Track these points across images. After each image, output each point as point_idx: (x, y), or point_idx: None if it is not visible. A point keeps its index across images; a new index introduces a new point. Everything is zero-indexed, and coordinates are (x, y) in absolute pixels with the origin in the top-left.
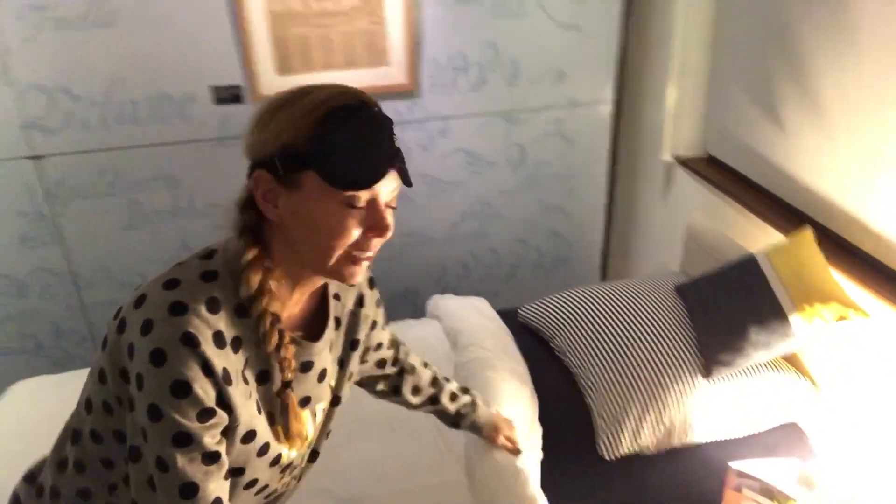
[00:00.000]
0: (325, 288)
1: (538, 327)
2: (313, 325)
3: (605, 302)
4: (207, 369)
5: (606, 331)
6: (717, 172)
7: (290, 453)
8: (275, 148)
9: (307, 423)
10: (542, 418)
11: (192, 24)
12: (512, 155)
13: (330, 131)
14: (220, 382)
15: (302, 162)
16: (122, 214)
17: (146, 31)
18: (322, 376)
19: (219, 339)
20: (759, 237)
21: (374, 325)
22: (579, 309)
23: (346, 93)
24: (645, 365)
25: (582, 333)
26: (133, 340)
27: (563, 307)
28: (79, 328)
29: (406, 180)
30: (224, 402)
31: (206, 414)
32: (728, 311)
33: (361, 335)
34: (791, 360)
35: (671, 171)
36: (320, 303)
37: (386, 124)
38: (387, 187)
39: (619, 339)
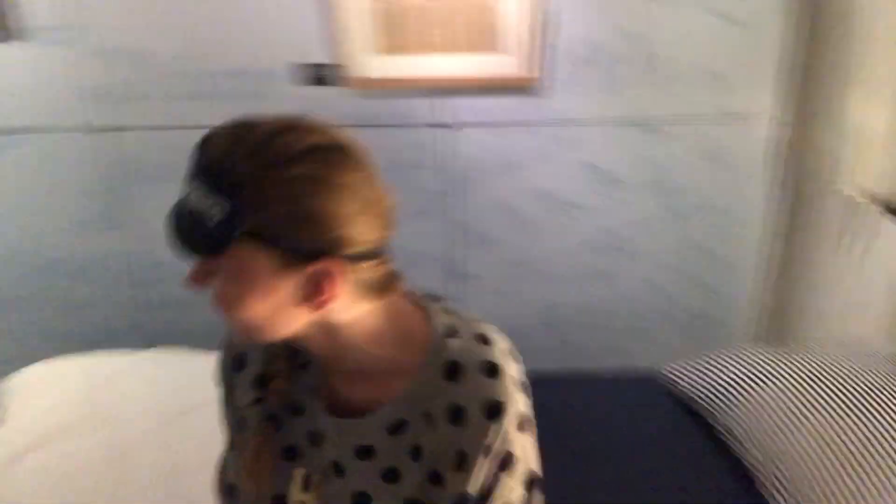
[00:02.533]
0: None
1: (694, 397)
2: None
3: (801, 374)
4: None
5: (810, 417)
6: None
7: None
8: None
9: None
10: None
11: None
12: (648, 175)
13: None
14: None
15: None
16: None
17: None
18: (339, 470)
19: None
20: None
21: (461, 460)
22: (761, 379)
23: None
24: (875, 473)
25: (769, 416)
26: None
27: (735, 373)
28: (128, 331)
29: (192, 245)
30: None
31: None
32: None
33: (440, 468)
34: None
35: (854, 209)
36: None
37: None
38: None
39: (833, 433)
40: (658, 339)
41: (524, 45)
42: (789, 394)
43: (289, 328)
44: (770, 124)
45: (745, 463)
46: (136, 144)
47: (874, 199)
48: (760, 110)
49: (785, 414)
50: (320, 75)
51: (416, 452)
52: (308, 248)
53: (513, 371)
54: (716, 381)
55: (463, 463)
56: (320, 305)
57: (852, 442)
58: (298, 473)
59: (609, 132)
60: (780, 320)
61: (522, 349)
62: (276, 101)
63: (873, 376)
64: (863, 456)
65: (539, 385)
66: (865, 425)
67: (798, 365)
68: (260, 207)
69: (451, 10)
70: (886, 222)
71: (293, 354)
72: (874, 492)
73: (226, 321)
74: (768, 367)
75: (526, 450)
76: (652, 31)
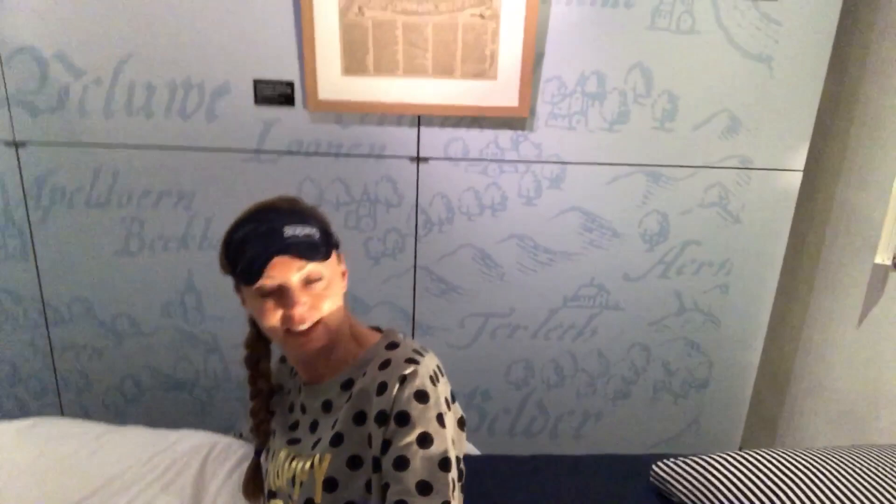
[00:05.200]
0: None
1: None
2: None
3: (821, 489)
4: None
5: None
6: None
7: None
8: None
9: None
10: None
11: None
12: (649, 226)
13: (229, 243)
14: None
15: (232, 276)
16: (116, 234)
17: None
18: (314, 427)
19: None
20: None
21: (382, 416)
22: (772, 492)
23: (257, 205)
24: None
25: None
26: None
27: (740, 482)
28: (42, 374)
29: (304, 258)
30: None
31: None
32: None
33: (369, 409)
34: None
35: (882, 279)
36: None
37: (271, 219)
38: (288, 273)
39: None
40: (647, 408)
41: (517, 72)
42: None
43: (340, 316)
44: (795, 178)
45: None
46: (61, 162)
47: None
48: (785, 162)
49: None
50: (283, 94)
51: (349, 397)
52: (337, 244)
53: (434, 370)
54: (713, 489)
55: (384, 389)
56: (344, 276)
57: None
58: (272, 449)
59: (605, 175)
60: (782, 395)
61: (489, 412)
62: (230, 121)
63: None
64: None
65: (505, 470)
66: None
67: (802, 472)
68: (326, 227)
69: (443, 28)
70: None
71: (266, 366)
72: None
73: (305, 336)
74: (772, 473)
75: (439, 397)
76: (665, 66)
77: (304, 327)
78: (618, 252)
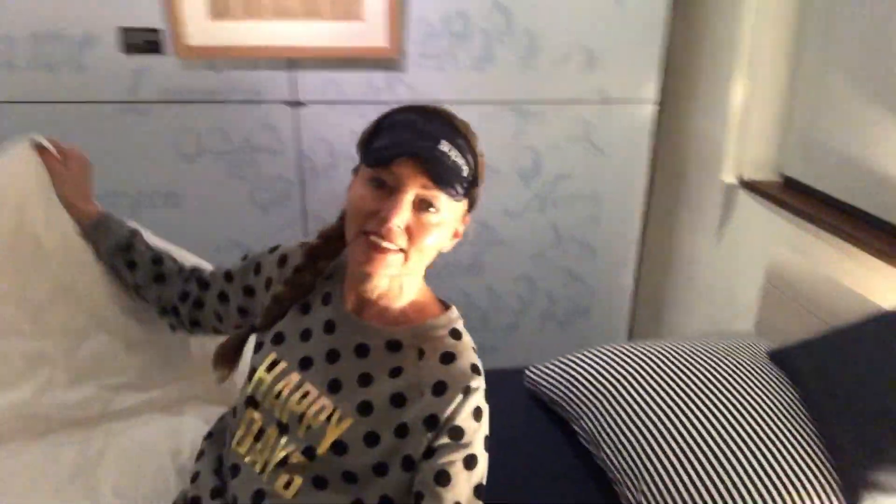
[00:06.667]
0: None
1: (555, 400)
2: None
3: (665, 372)
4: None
5: (672, 419)
6: (801, 200)
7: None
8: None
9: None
10: None
11: None
12: (522, 162)
13: (385, 118)
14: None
15: (361, 152)
16: None
17: None
18: (332, 357)
19: (282, 260)
20: (878, 285)
21: (433, 420)
22: (623, 378)
23: (437, 106)
24: (740, 481)
25: (628, 419)
26: None
27: (596, 374)
28: None
29: (436, 180)
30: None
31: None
32: (882, 397)
33: (409, 395)
34: None
35: (732, 196)
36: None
37: (436, 128)
38: (411, 181)
39: (694, 435)
40: (535, 337)
41: (385, 13)
42: (663, 396)
43: (420, 267)
44: (649, 110)
45: (598, 461)
46: None
47: (752, 186)
48: (641, 94)
49: (640, 417)
50: (150, 41)
51: (395, 372)
52: (474, 202)
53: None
54: (573, 382)
55: (442, 391)
56: (455, 237)
57: (690, 432)
58: (270, 356)
59: (477, 113)
60: (658, 313)
61: None
62: (99, 72)
63: (743, 380)
64: (699, 446)
65: None
66: (730, 431)
67: (672, 364)
68: (477, 172)
69: None
70: (761, 210)
71: (325, 266)
72: (709, 484)
73: (377, 251)
74: (622, 364)
75: (487, 414)
76: (527, 6)
77: (382, 243)
78: (497, 188)
